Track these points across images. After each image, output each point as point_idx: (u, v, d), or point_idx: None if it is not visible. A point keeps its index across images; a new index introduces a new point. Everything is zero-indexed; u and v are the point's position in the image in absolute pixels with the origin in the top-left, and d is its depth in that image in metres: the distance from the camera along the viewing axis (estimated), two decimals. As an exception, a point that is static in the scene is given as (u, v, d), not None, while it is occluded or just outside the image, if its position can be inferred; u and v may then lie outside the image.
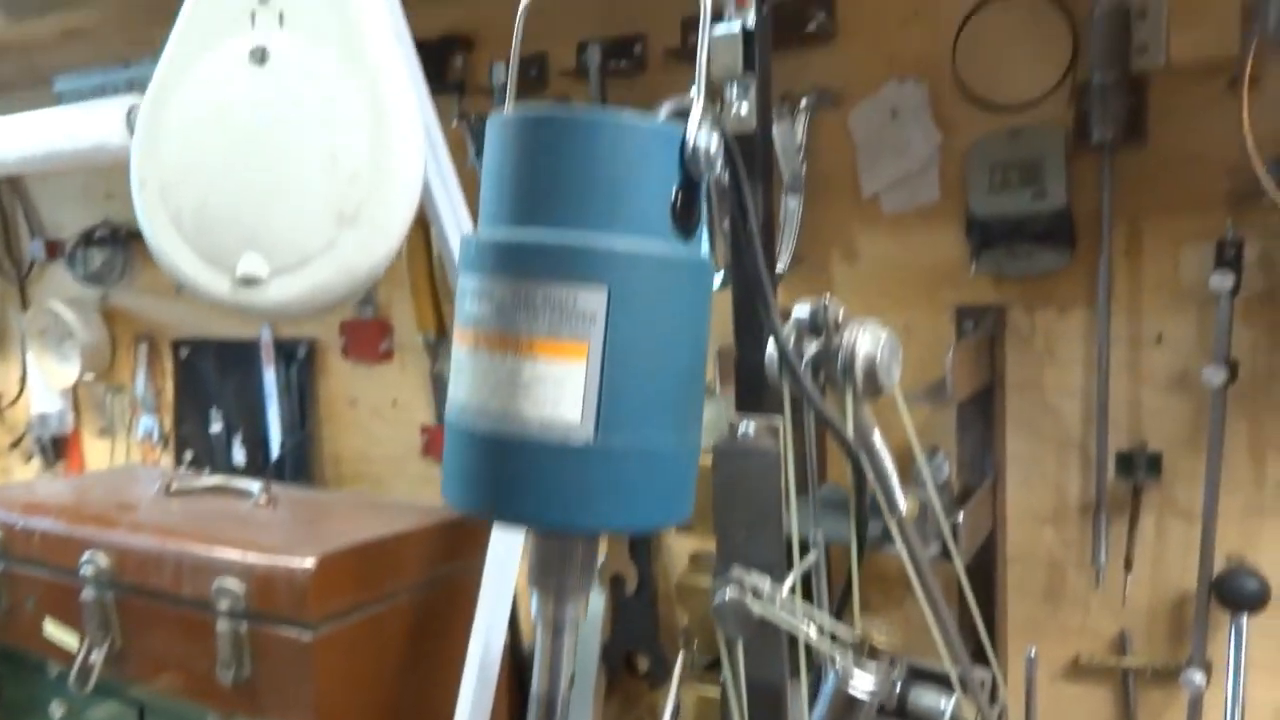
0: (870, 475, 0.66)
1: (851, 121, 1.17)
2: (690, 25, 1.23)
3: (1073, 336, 1.08)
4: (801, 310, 0.61)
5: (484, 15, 1.41)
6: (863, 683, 0.55)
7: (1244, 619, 0.98)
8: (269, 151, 0.86)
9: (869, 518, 0.67)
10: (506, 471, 0.42)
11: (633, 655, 1.36)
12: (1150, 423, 1.06)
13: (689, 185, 0.44)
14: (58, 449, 2.07)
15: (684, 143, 0.44)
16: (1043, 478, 1.11)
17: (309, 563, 1.08)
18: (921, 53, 1.12)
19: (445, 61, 1.41)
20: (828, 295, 0.60)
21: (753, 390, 0.77)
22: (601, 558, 1.33)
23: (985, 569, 1.12)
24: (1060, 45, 1.05)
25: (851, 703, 0.55)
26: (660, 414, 0.43)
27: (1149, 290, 1.05)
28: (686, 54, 1.24)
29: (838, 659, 0.56)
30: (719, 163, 0.44)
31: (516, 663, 1.39)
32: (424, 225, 1.30)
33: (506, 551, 1.10)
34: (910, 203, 1.15)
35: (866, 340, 0.60)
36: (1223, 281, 0.95)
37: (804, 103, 1.15)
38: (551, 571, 0.46)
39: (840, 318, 0.60)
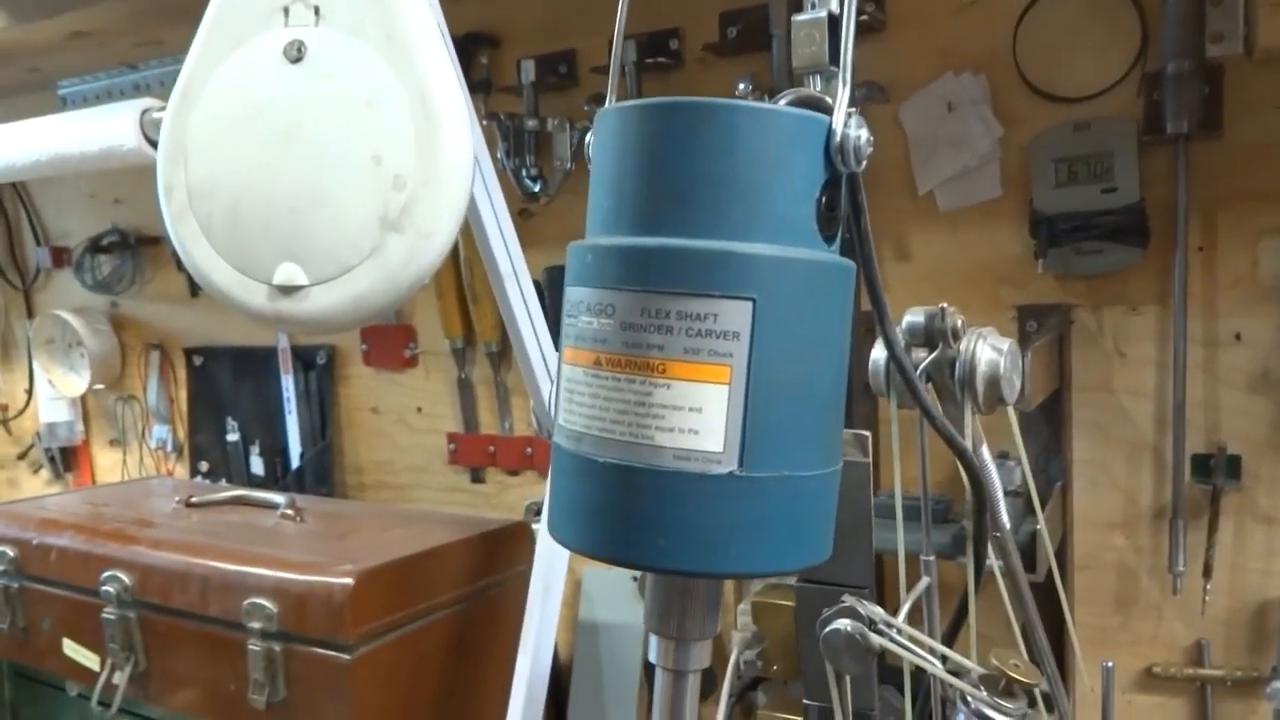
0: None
1: (903, 115, 1.12)
2: (729, 19, 1.18)
3: (1144, 336, 1.03)
4: (915, 316, 0.56)
5: (509, 12, 1.36)
6: (1002, 726, 0.50)
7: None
8: (306, 154, 0.81)
9: (982, 520, 0.62)
10: (637, 508, 0.37)
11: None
12: (1228, 424, 1.01)
13: (833, 182, 0.39)
14: (67, 460, 2.02)
15: (830, 133, 0.39)
16: (1112, 482, 1.07)
17: (347, 581, 1.03)
18: (978, 43, 1.07)
19: (470, 59, 1.36)
20: (944, 304, 0.55)
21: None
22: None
23: (1052, 578, 1.07)
24: (1128, 34, 1.01)
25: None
26: (807, 437, 0.38)
27: (1225, 287, 1.00)
28: (725, 48, 1.19)
29: (970, 698, 0.51)
30: (867, 155, 0.39)
31: (553, 674, 1.34)
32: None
33: (553, 564, 1.05)
34: (968, 199, 1.10)
35: (988, 350, 0.55)
36: (1313, 277, 0.91)
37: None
38: (674, 615, 0.41)
39: (959, 326, 0.55)
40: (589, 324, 0.38)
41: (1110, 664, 0.94)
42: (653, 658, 0.43)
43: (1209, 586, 1.01)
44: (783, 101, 0.44)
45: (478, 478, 1.49)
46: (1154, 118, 0.99)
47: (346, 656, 1.02)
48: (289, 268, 0.81)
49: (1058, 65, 1.04)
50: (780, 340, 0.37)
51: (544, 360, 1.05)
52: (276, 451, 1.67)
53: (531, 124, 1.30)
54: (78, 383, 1.89)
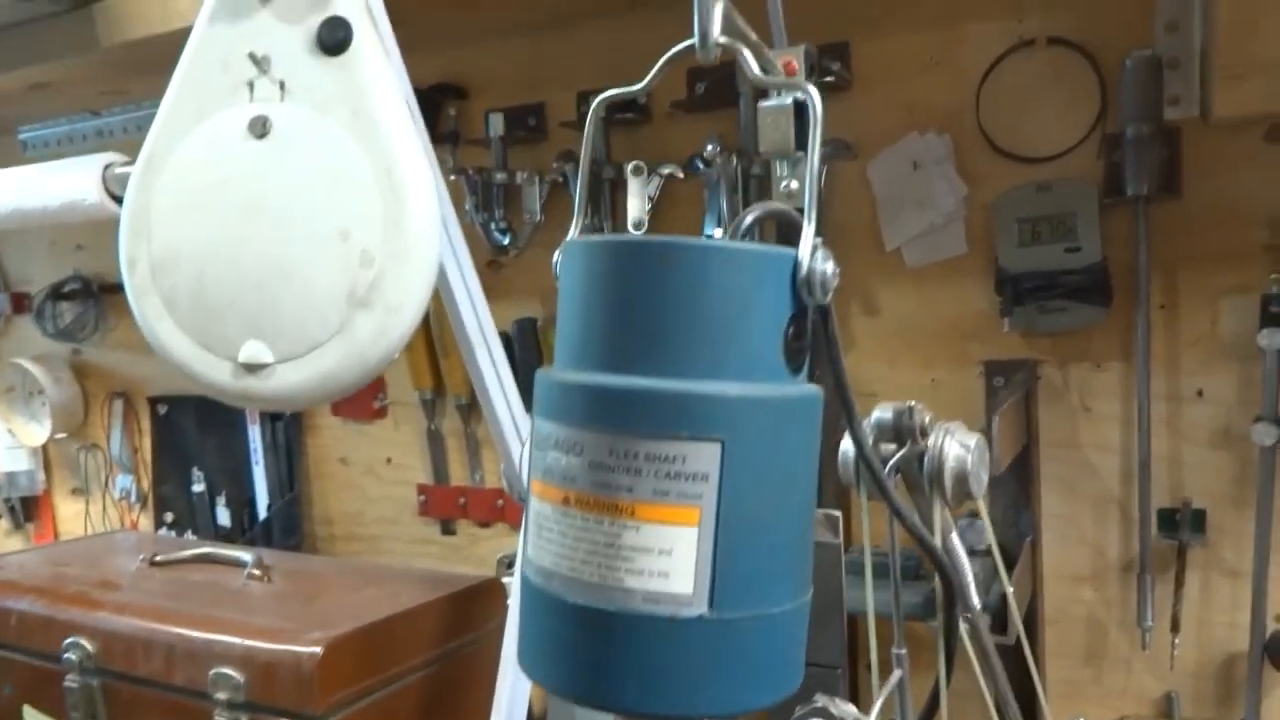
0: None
1: (871, 173, 1.13)
2: (696, 76, 1.19)
3: (1109, 392, 1.05)
4: (883, 413, 0.56)
5: (477, 63, 1.36)
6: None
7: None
8: (272, 229, 0.80)
9: (953, 615, 0.62)
10: (608, 651, 0.37)
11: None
12: (1192, 480, 1.03)
13: (800, 314, 0.39)
14: (28, 510, 1.97)
15: (797, 266, 0.39)
16: (1080, 537, 1.08)
17: (315, 650, 1.01)
18: (942, 103, 1.09)
19: (438, 111, 1.35)
20: (912, 401, 0.56)
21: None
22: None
23: (1025, 633, 1.08)
24: (1088, 97, 1.02)
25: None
26: (778, 574, 0.38)
27: (1187, 345, 1.01)
28: (693, 104, 1.19)
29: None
30: (834, 288, 0.39)
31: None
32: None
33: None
34: (934, 256, 1.11)
35: (955, 446, 0.56)
36: (1273, 339, 0.92)
37: (820, 154, 1.10)
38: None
39: (926, 422, 0.56)
40: (557, 460, 0.38)
41: (1081, 719, 0.95)
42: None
43: (1177, 640, 1.02)
44: (750, 218, 0.44)
45: (448, 529, 1.48)
46: (1114, 179, 1.01)
47: (316, 727, 1.01)
48: (254, 345, 0.80)
49: (1020, 126, 1.06)
50: (749, 479, 0.37)
51: (514, 422, 1.04)
52: (243, 503, 1.65)
53: (500, 177, 1.30)
54: (39, 432, 1.85)
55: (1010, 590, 0.84)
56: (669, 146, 1.23)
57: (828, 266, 0.39)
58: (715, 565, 0.36)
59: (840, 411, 0.49)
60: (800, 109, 0.67)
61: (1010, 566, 1.00)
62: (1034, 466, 1.08)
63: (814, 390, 0.40)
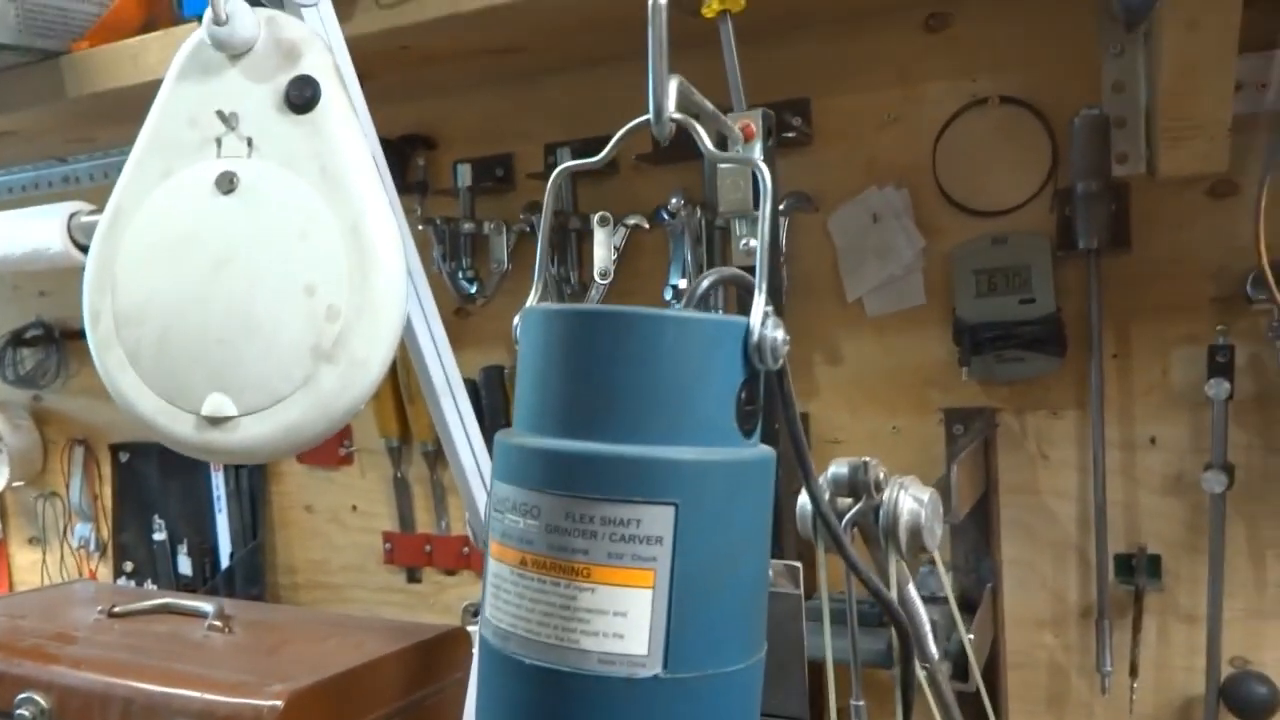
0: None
1: (831, 226, 1.15)
2: (663, 126, 1.21)
3: (1065, 440, 1.07)
4: (839, 468, 0.58)
5: (446, 115, 1.37)
6: None
7: (1257, 731, 0.97)
8: (238, 284, 0.80)
9: (910, 668, 0.63)
10: (563, 711, 0.38)
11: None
12: (1148, 525, 1.05)
13: (752, 379, 0.41)
14: (-17, 559, 1.94)
15: (749, 334, 0.40)
16: (1041, 583, 1.09)
17: (276, 703, 1.00)
18: (900, 158, 1.12)
19: (407, 161, 1.37)
20: (867, 457, 0.57)
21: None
22: None
23: (986, 677, 1.09)
24: (1040, 153, 1.06)
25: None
26: (732, 633, 0.39)
27: (1140, 394, 1.04)
28: (659, 157, 1.21)
29: None
30: (784, 355, 0.41)
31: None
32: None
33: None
34: (894, 306, 1.13)
35: (909, 501, 0.57)
36: (1219, 389, 0.95)
37: (783, 206, 1.13)
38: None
39: (881, 478, 0.57)
40: (515, 523, 0.39)
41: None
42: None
43: (1135, 684, 1.04)
44: (705, 283, 0.45)
45: (414, 577, 1.47)
46: (1066, 233, 1.04)
47: (276, 784, 0.99)
48: (218, 398, 0.80)
49: (975, 181, 1.09)
50: (703, 541, 0.38)
51: (479, 471, 1.04)
52: (205, 551, 1.63)
53: (468, 226, 1.31)
54: (-5, 479, 1.82)
55: (969, 638, 0.85)
56: (635, 198, 1.25)
57: (778, 334, 0.40)
58: (670, 626, 0.37)
59: (798, 468, 0.51)
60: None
61: (971, 612, 1.01)
62: (993, 513, 1.10)
63: (767, 452, 0.41)
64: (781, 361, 0.41)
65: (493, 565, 0.40)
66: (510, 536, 0.39)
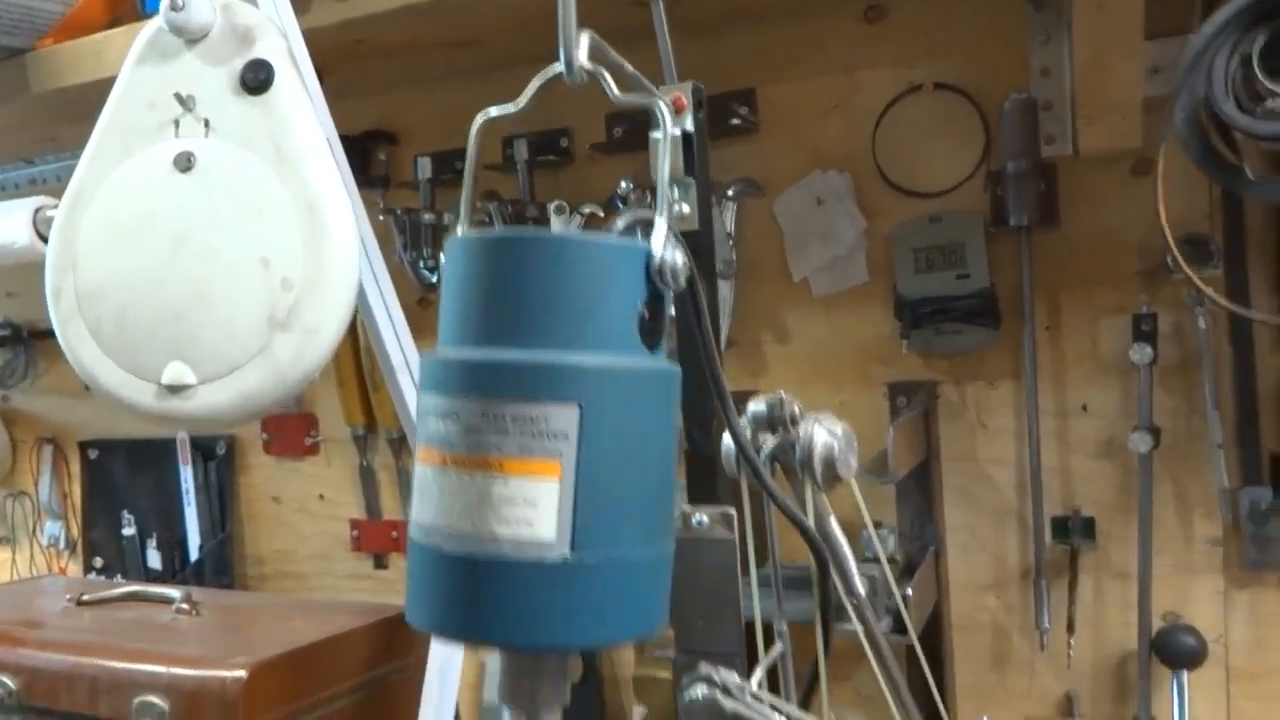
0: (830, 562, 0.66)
1: (777, 209, 1.20)
2: (614, 120, 1.25)
3: (1003, 409, 1.11)
4: (758, 406, 0.61)
5: (407, 110, 1.41)
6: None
7: (1184, 675, 1.01)
8: (196, 259, 0.83)
9: (826, 589, 0.67)
10: (480, 594, 0.41)
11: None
12: (1082, 489, 1.09)
13: (655, 299, 0.44)
14: (-48, 562, 1.94)
15: (650, 259, 0.44)
16: (982, 546, 1.13)
17: (240, 674, 1.02)
18: (842, 143, 1.16)
19: (369, 156, 1.40)
20: (782, 391, 0.61)
21: (704, 481, 0.77)
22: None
23: (932, 639, 1.13)
24: (973, 135, 1.11)
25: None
26: (634, 525, 0.43)
27: (1072, 363, 1.09)
28: (612, 146, 1.26)
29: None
30: (684, 277, 0.45)
31: (460, 766, 1.33)
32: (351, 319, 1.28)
33: (449, 649, 1.06)
34: (839, 285, 1.17)
35: (823, 434, 0.61)
36: (1142, 354, 1.00)
37: (731, 192, 1.17)
38: (524, 689, 0.45)
39: (796, 412, 0.61)
40: (437, 428, 0.43)
41: (985, 718, 0.99)
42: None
43: (1073, 641, 1.08)
44: (620, 223, 0.49)
45: (381, 564, 1.49)
46: (999, 211, 1.08)
47: (240, 753, 1.01)
48: (177, 366, 0.83)
49: (913, 163, 1.14)
50: (605, 438, 0.41)
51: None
52: (175, 544, 1.65)
53: (428, 217, 1.34)
54: (-35, 481, 1.84)
55: (905, 594, 0.89)
56: (591, 187, 1.29)
57: (677, 256, 0.44)
58: (576, 514, 0.41)
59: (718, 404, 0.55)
60: (689, 139, 0.73)
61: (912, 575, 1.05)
62: (936, 480, 1.14)
63: (668, 366, 0.45)
64: (684, 283, 0.45)
65: (418, 470, 0.44)
66: (433, 441, 0.43)
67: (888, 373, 1.16)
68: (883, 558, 0.89)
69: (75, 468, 1.78)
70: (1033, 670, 1.12)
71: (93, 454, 1.75)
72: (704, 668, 0.59)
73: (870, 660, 0.76)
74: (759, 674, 0.59)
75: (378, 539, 1.48)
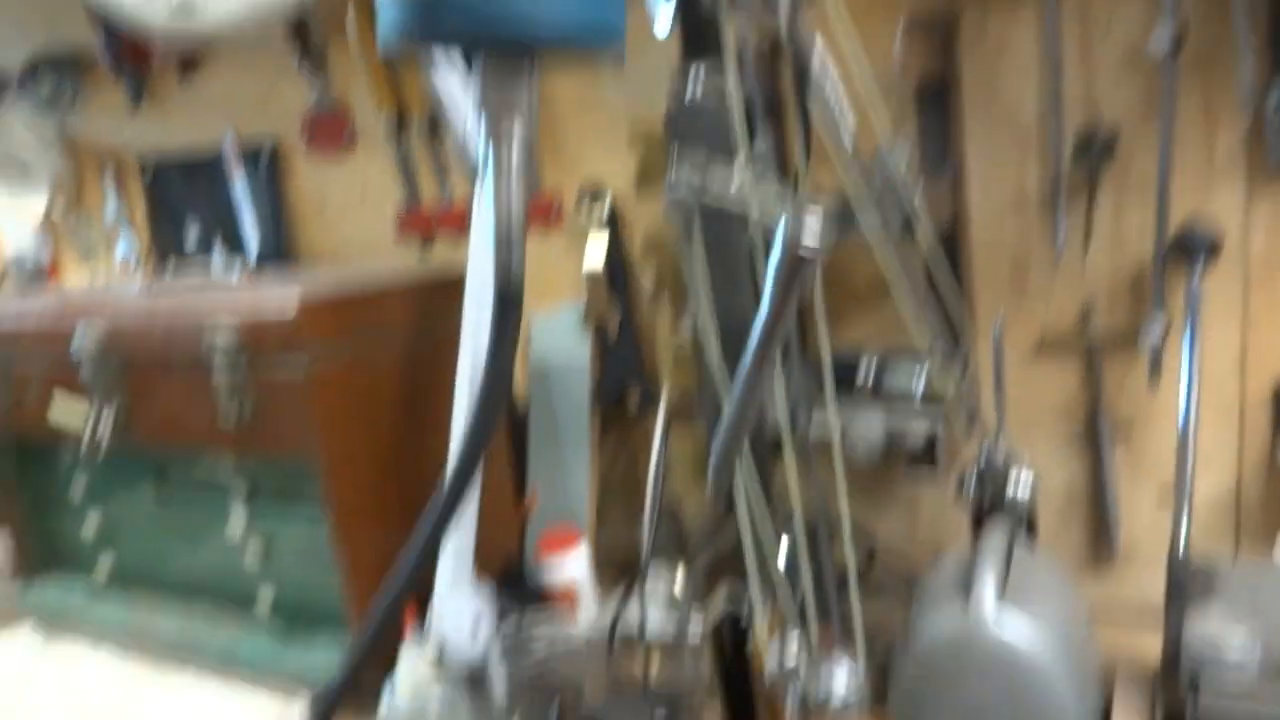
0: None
1: None
2: None
3: (1024, 34, 1.08)
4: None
5: None
6: (810, 236, 0.58)
7: (1199, 263, 1.03)
8: None
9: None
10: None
11: (624, 394, 1.41)
12: (1105, 104, 1.07)
13: None
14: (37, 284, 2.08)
15: None
16: (1002, 169, 1.14)
17: (292, 303, 1.11)
18: None
19: None
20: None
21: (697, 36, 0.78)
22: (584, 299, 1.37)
23: (952, 259, 1.15)
24: None
25: (800, 262, 0.59)
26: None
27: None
28: None
29: (786, 222, 0.59)
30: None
31: (513, 417, 1.44)
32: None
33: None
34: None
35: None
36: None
37: None
38: (491, 86, 0.49)
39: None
40: None
41: (1000, 322, 1.03)
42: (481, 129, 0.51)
43: (1091, 251, 1.10)
44: None
45: (427, 246, 1.56)
46: None
47: (301, 373, 1.11)
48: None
49: None
50: None
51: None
52: (235, 248, 1.74)
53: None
54: (36, 208, 1.94)
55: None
56: None
57: None
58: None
59: None
60: None
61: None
62: (956, 108, 1.13)
63: None
64: None
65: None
66: None
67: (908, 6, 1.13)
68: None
69: (136, 186, 1.86)
70: (1051, 289, 1.15)
71: (150, 174, 1.83)
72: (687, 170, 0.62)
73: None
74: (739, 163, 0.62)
75: (421, 223, 1.54)
